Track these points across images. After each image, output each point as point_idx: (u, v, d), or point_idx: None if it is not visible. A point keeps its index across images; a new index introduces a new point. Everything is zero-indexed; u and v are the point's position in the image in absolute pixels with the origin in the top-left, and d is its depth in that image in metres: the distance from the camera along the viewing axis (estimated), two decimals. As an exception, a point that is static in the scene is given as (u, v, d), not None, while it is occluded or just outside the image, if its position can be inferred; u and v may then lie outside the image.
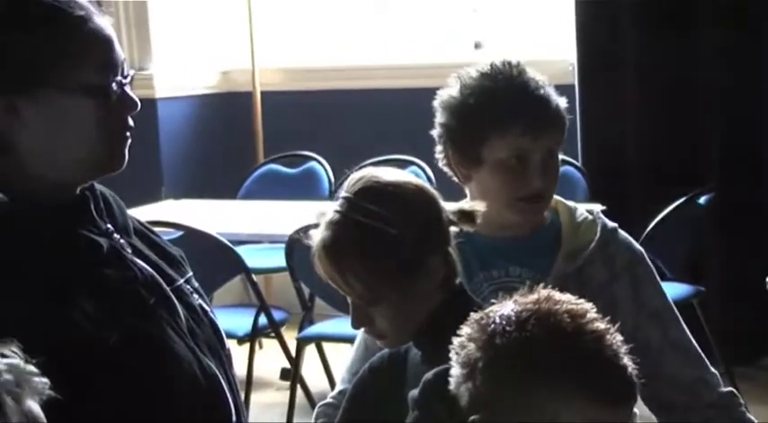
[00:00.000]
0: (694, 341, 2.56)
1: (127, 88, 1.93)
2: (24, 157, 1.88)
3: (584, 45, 5.54)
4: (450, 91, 2.43)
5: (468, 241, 2.41)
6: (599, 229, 2.47)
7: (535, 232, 2.48)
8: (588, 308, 1.59)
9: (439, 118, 2.43)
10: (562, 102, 2.44)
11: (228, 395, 1.97)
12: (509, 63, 2.43)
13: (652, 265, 2.54)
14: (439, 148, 2.45)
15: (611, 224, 2.51)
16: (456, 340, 1.62)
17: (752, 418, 2.57)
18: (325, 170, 5.84)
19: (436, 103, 2.44)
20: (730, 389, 2.58)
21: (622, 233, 2.52)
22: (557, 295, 1.62)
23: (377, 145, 5.75)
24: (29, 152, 1.87)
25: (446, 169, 2.47)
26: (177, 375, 1.89)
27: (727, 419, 2.53)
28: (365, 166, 5.10)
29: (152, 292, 1.93)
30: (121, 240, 1.96)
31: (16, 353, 1.34)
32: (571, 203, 2.53)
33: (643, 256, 2.52)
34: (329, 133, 6.29)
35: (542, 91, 2.40)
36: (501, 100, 2.38)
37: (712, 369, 2.56)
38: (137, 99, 1.94)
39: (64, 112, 1.88)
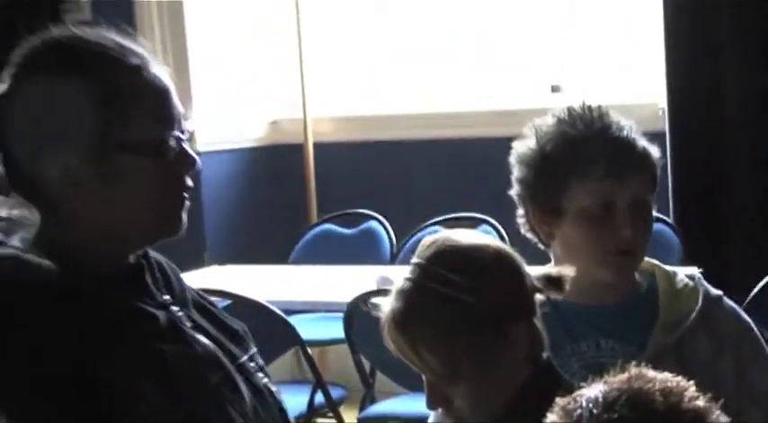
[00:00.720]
0: None
1: (185, 145, 1.92)
2: (76, 221, 1.88)
3: (676, 87, 5.51)
4: (525, 142, 2.43)
5: (553, 310, 2.39)
6: (701, 296, 2.43)
7: (629, 300, 2.46)
8: (687, 385, 1.56)
9: (516, 174, 2.43)
10: (651, 148, 2.43)
11: None
12: (589, 106, 2.43)
13: (762, 340, 2.49)
14: (520, 211, 2.44)
15: (714, 292, 2.47)
16: None
17: None
18: (386, 229, 5.85)
19: (512, 159, 2.43)
20: None
21: (728, 302, 2.48)
22: (650, 373, 1.59)
23: (443, 201, 5.74)
24: (81, 216, 1.88)
25: (529, 235, 2.46)
26: None
27: None
28: (429, 225, 5.08)
29: (214, 370, 1.93)
30: (179, 313, 1.97)
31: None
32: (670, 268, 2.50)
33: (752, 328, 2.48)
34: (389, 188, 6.30)
35: (626, 133, 2.40)
36: (580, 144, 2.39)
37: None
38: (195, 156, 1.94)
39: (121, 172, 1.87)
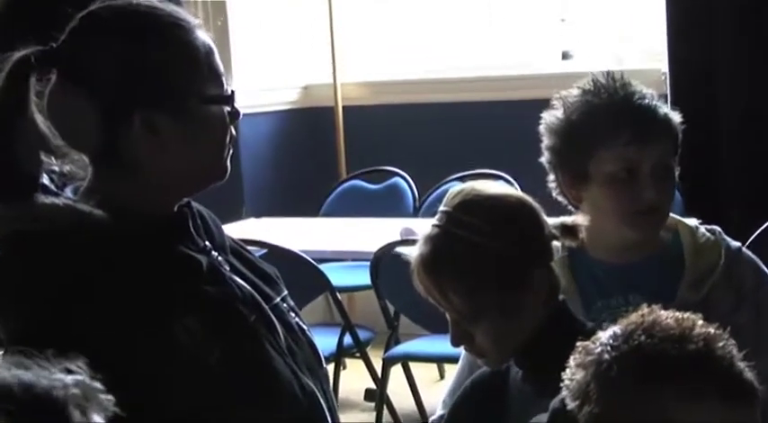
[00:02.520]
0: None
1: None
2: (149, 175, 1.88)
3: (677, 53, 5.47)
4: (553, 113, 2.42)
5: (583, 264, 2.42)
6: (723, 251, 2.41)
7: (655, 256, 2.44)
8: (696, 318, 1.59)
9: (545, 143, 2.43)
10: (673, 114, 2.41)
11: (327, 414, 1.97)
12: (612, 77, 2.41)
13: None
14: (551, 176, 2.42)
15: (734, 244, 2.45)
16: (565, 373, 1.60)
17: None
18: (410, 185, 5.83)
19: (542, 128, 2.42)
20: None
21: (747, 253, 2.46)
22: (661, 311, 1.61)
23: (461, 159, 5.72)
24: (157, 170, 1.88)
25: (560, 198, 2.45)
26: (277, 394, 1.89)
27: None
28: (451, 181, 5.08)
29: (252, 309, 1.93)
30: (219, 258, 1.97)
31: (82, 369, 1.34)
32: (692, 223, 2.48)
33: None
34: (413, 148, 6.29)
35: (647, 101, 2.38)
36: (605, 112, 2.37)
37: None
38: (239, 109, 1.96)
39: (202, 124, 1.89)
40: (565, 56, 6.15)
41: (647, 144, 2.34)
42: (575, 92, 2.41)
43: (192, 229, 1.94)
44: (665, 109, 2.39)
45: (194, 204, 1.99)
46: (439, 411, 2.52)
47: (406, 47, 6.66)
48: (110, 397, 1.37)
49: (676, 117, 2.41)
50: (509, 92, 5.63)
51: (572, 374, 1.59)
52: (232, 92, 1.93)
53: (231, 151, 1.95)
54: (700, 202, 4.99)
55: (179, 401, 1.77)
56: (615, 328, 1.59)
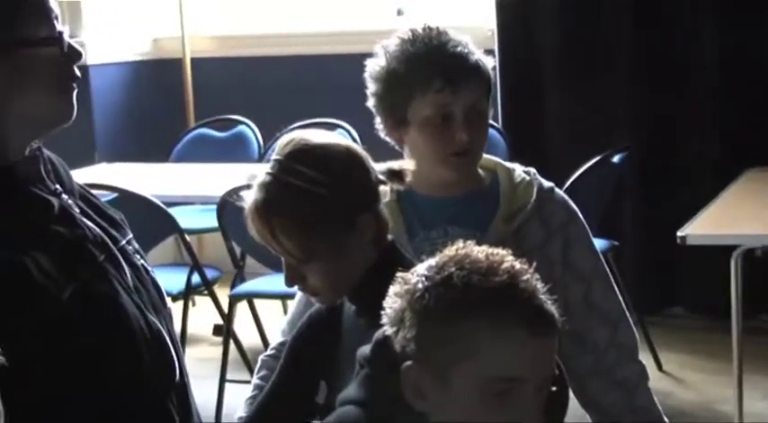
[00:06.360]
0: (622, 308, 2.55)
1: (70, 40, 1.90)
2: None
3: (503, 11, 5.54)
4: (376, 61, 2.42)
5: (409, 201, 2.44)
6: (535, 189, 2.45)
7: (474, 192, 2.47)
8: (505, 253, 1.63)
9: (369, 89, 2.43)
10: (486, 59, 2.43)
11: (172, 350, 1.96)
12: (429, 27, 2.42)
13: (586, 225, 2.53)
14: (377, 120, 2.44)
15: (547, 184, 2.50)
16: (386, 302, 1.63)
17: (656, 401, 2.55)
18: (255, 133, 5.80)
19: (366, 76, 2.43)
20: (642, 367, 2.56)
21: (558, 192, 2.51)
22: (475, 246, 1.64)
23: (304, 109, 5.71)
24: None
25: (388, 138, 2.46)
26: (126, 330, 1.88)
27: (627, 401, 2.51)
28: (293, 129, 5.09)
29: (101, 250, 1.91)
30: (69, 201, 1.94)
31: None
32: (509, 165, 2.51)
33: (577, 215, 2.51)
34: (258, 98, 6.27)
35: (460, 48, 2.40)
36: (419, 60, 2.38)
37: (632, 338, 2.55)
38: (81, 49, 1.91)
39: (30, 65, 1.84)
40: (399, 12, 6.20)
41: (458, 89, 2.36)
42: (395, 41, 2.42)
43: (43, 173, 1.91)
44: (476, 55, 2.41)
45: (45, 151, 1.96)
46: (279, 338, 2.54)
47: (250, 1, 6.60)
48: None
49: (489, 62, 2.43)
50: (347, 46, 5.63)
51: (391, 303, 1.63)
52: (60, 33, 1.88)
53: (76, 90, 1.91)
54: (523, 151, 5.08)
55: (31, 334, 1.75)
56: (431, 261, 1.63)
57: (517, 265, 1.60)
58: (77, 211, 1.94)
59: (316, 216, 2.00)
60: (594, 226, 4.85)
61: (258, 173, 2.06)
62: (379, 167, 2.10)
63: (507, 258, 1.61)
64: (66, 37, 1.89)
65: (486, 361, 1.55)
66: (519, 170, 2.49)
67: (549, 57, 5.51)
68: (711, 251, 4.24)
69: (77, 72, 1.91)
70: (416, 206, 2.45)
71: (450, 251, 1.63)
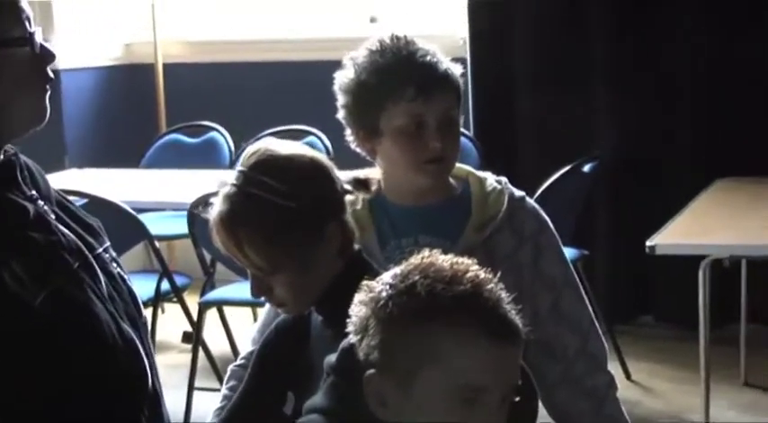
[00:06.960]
0: (592, 317, 2.54)
1: (43, 41, 1.88)
2: None
3: (475, 20, 5.55)
4: (344, 73, 2.41)
5: (382, 209, 2.44)
6: (506, 198, 2.45)
7: (445, 201, 2.46)
8: (470, 262, 1.62)
9: (339, 101, 2.42)
10: (454, 67, 2.43)
11: (145, 359, 1.94)
12: (397, 37, 2.42)
13: (556, 234, 2.53)
14: (348, 131, 2.43)
15: (518, 193, 2.49)
16: (351, 310, 1.62)
17: (623, 411, 2.54)
18: (226, 139, 5.79)
19: (335, 88, 2.42)
20: (611, 377, 2.56)
21: (530, 201, 2.51)
22: (440, 256, 1.64)
23: (276, 116, 5.71)
24: None
25: (359, 150, 2.45)
26: (98, 337, 1.85)
27: (596, 410, 2.51)
28: (263, 136, 5.05)
29: (76, 257, 1.89)
30: (45, 207, 1.92)
31: None
32: (482, 174, 2.51)
33: (548, 224, 2.51)
34: (230, 104, 6.26)
35: (429, 57, 2.39)
36: (390, 71, 2.37)
37: (602, 349, 2.55)
38: (53, 50, 1.89)
39: (1, 65, 1.83)
40: (372, 20, 6.19)
41: (431, 98, 2.36)
42: (363, 52, 2.40)
43: (19, 178, 1.89)
44: (445, 64, 2.40)
45: (22, 156, 1.94)
46: (250, 347, 2.52)
47: (226, 7, 6.58)
48: None
49: (457, 70, 2.43)
50: (320, 52, 5.61)
51: (356, 311, 1.62)
52: (31, 34, 1.86)
53: (49, 92, 1.89)
54: (495, 160, 5.09)
55: (3, 340, 1.73)
56: (396, 269, 1.63)
57: (481, 275, 1.60)
58: (53, 217, 1.92)
59: (281, 227, 1.98)
60: (565, 235, 4.88)
61: (230, 180, 2.05)
62: (344, 177, 2.10)
63: (472, 267, 1.61)
64: (38, 38, 1.87)
65: (449, 369, 1.55)
66: (491, 179, 2.49)
67: (520, 65, 5.52)
68: (681, 261, 4.24)
69: (50, 73, 1.89)
70: (388, 215, 2.44)
71: (415, 259, 1.63)
